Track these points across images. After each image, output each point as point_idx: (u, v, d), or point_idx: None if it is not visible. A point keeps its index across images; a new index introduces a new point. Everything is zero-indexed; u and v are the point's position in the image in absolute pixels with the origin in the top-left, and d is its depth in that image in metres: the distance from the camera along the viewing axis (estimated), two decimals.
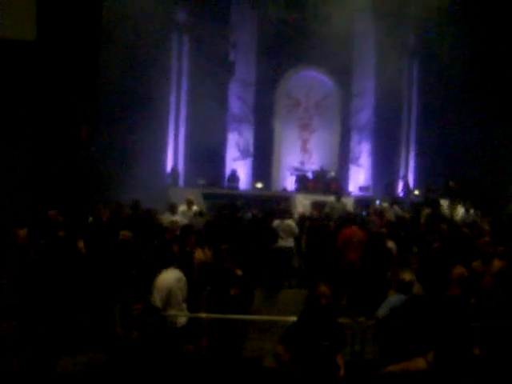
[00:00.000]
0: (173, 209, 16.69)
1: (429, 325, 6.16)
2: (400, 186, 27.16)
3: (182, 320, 8.23)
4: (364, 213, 20.02)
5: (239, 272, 9.45)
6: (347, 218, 15.27)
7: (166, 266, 8.24)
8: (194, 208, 17.20)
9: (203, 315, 9.16)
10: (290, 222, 15.68)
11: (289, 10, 24.69)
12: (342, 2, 23.74)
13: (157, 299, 7.94)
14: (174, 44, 25.67)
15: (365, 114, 28.33)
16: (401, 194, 26.44)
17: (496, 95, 25.27)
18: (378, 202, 21.80)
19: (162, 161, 24.90)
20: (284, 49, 25.79)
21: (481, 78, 25.24)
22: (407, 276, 8.05)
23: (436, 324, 6.15)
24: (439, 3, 22.92)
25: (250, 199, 22.15)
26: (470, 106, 25.58)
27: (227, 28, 25.99)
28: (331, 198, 20.50)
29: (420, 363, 5.86)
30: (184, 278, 8.34)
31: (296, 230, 15.47)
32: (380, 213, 17.88)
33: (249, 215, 17.86)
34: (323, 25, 23.31)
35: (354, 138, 28.32)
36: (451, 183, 24.31)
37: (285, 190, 26.37)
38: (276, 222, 15.41)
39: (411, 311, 7.21)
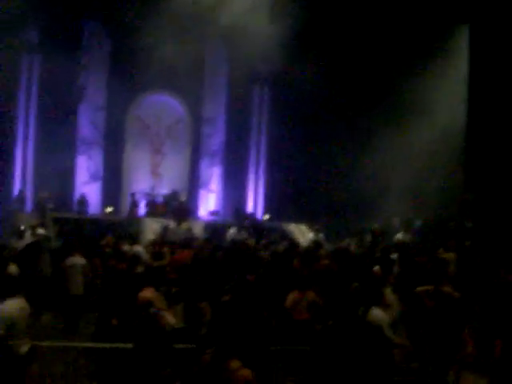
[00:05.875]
0: (20, 234, 16.38)
1: None
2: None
3: (24, 349, 8.13)
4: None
5: None
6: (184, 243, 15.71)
7: (10, 295, 8.15)
8: (40, 231, 16.88)
9: (45, 343, 9.11)
10: (139, 248, 15.66)
11: (140, 34, 24.70)
12: (193, 28, 24.01)
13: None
14: (23, 63, 25.17)
15: (215, 140, 28.70)
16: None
17: (344, 125, 26.34)
18: (232, 230, 21.73)
19: (8, 185, 24.27)
20: (135, 73, 25.61)
21: (329, 105, 26.22)
22: None
23: None
24: (288, 32, 23.57)
25: (99, 224, 21.89)
26: (319, 133, 26.52)
27: (78, 50, 25.73)
28: (172, 224, 20.63)
29: None
30: (28, 307, 8.26)
31: (144, 255, 15.41)
32: None
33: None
34: (174, 50, 23.43)
35: (205, 162, 28.58)
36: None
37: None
38: (125, 248, 15.33)
39: None
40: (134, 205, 25.27)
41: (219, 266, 13.37)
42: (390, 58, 25.29)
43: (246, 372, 5.80)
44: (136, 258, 13.26)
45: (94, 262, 14.01)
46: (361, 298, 9.30)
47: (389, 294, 10.38)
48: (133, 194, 25.90)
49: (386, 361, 8.37)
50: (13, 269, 11.46)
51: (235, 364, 5.80)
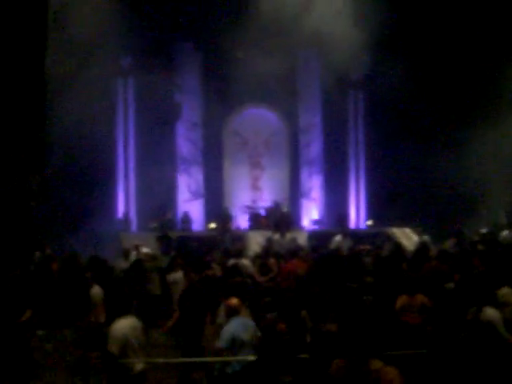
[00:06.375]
0: (125, 254, 16.56)
1: None
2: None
3: (138, 367, 8.13)
4: None
5: None
6: (291, 253, 15.56)
7: (122, 314, 8.19)
8: (145, 251, 17.05)
9: (160, 360, 9.14)
10: (245, 262, 15.57)
11: (232, 50, 24.83)
12: (285, 39, 23.96)
13: (113, 347, 7.87)
14: (119, 88, 25.77)
15: (313, 149, 28.46)
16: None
17: (440, 124, 25.78)
18: (337, 237, 21.33)
19: (112, 207, 24.81)
20: (229, 88, 25.65)
21: (425, 106, 25.71)
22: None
23: None
24: (378, 34, 23.30)
25: (204, 240, 22.02)
26: (416, 135, 26.02)
27: (171, 70, 26.05)
28: (276, 235, 20.63)
29: None
30: (140, 325, 8.29)
31: (251, 268, 15.32)
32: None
33: None
34: (267, 62, 23.41)
35: (304, 172, 28.39)
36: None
37: (238, 228, 26.07)
38: (231, 262, 15.26)
39: None
40: (227, 219, 25.05)
41: (323, 273, 13.20)
42: (484, 54, 24.62)
43: (393, 369, 5.42)
44: (235, 268, 13.24)
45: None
46: (468, 299, 9.26)
47: (507, 293, 10.12)
48: (225, 208, 25.90)
49: (501, 359, 8.24)
50: (97, 289, 11.50)
51: (377, 363, 5.46)
